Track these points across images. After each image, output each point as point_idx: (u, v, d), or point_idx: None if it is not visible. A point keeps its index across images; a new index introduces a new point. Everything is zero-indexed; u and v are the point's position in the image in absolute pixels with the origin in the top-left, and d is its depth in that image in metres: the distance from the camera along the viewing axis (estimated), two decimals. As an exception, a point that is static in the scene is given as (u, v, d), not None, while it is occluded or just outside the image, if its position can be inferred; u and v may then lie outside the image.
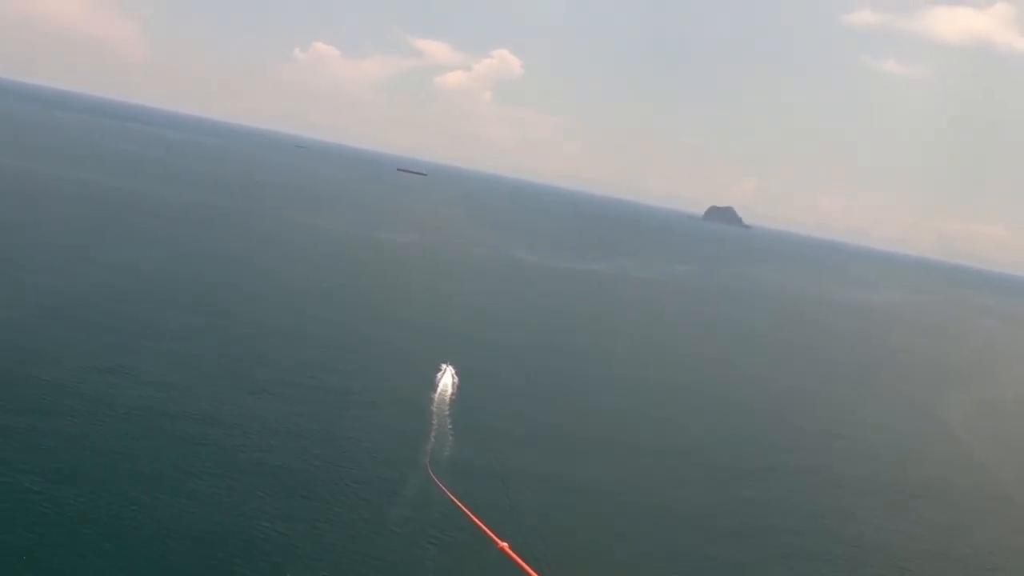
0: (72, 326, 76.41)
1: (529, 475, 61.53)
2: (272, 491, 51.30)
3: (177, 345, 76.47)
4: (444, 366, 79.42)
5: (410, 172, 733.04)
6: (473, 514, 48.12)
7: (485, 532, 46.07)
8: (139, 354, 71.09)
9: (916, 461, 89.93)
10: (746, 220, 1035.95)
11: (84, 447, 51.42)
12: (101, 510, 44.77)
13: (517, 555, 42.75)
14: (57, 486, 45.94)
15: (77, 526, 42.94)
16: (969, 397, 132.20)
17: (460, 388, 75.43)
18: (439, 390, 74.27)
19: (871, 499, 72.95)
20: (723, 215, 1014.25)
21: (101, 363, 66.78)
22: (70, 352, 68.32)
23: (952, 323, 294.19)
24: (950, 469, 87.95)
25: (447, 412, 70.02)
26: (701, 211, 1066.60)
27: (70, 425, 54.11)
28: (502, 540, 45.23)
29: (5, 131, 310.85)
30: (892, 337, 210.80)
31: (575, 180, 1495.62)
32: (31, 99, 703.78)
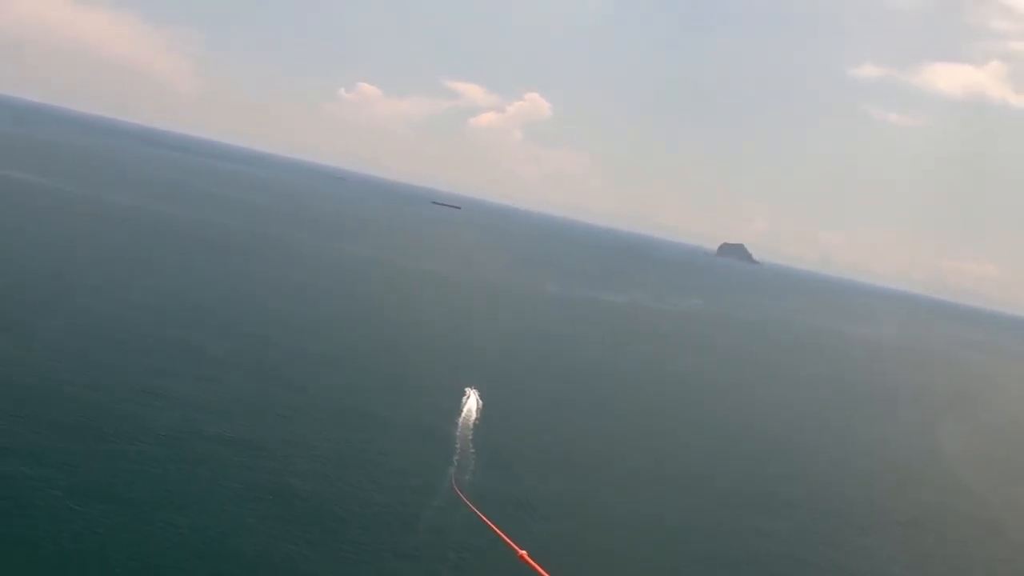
0: (113, 347, 75.85)
1: (549, 494, 61.69)
2: (301, 513, 51.11)
3: (212, 368, 75.96)
4: (469, 390, 79.24)
5: (445, 205, 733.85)
6: (495, 525, 48.24)
7: (506, 541, 46.15)
8: (175, 377, 70.40)
9: (914, 488, 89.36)
10: (756, 256, 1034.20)
11: (117, 467, 50.69)
12: (130, 529, 44.16)
13: (536, 563, 43.00)
14: (87, 504, 45.27)
15: (106, 545, 42.49)
16: (963, 427, 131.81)
17: (484, 411, 75.14)
18: (464, 413, 73.88)
19: (875, 529, 72.44)
20: (735, 251, 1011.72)
21: (138, 384, 66.14)
22: (108, 373, 67.87)
23: (945, 357, 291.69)
24: (946, 496, 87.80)
25: (471, 434, 69.70)
26: (714, 247, 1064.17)
27: (104, 445, 53.54)
28: (521, 548, 45.38)
29: (60, 158, 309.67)
30: (890, 369, 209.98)
31: (597, 215, 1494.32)
32: (85, 128, 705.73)
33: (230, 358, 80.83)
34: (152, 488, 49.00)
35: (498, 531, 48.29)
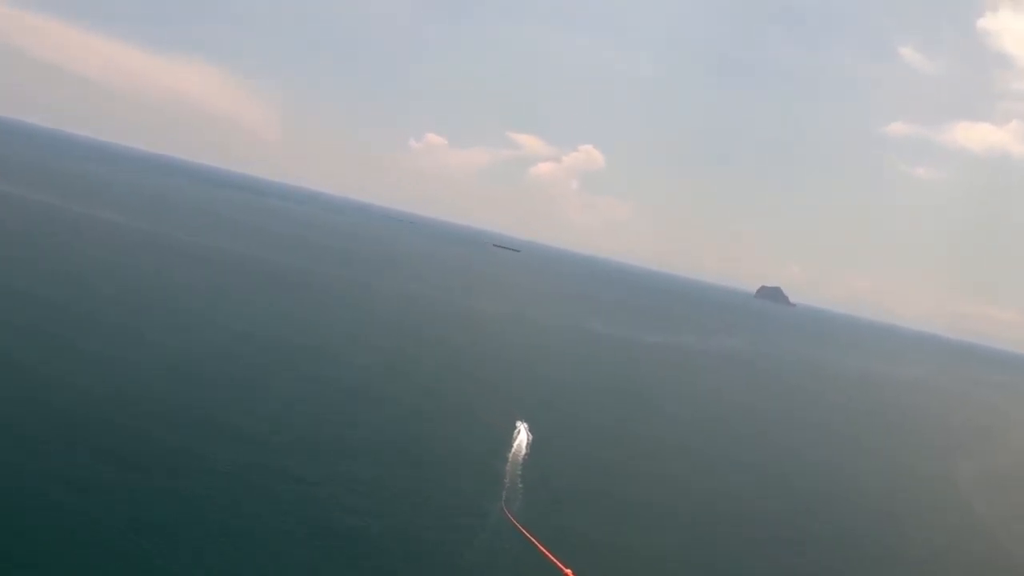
0: (184, 383, 74.52)
1: (594, 521, 61.58)
2: (359, 548, 51.06)
3: (275, 403, 75.59)
4: (519, 424, 79.35)
5: (505, 248, 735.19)
6: (543, 546, 48.49)
7: (553, 561, 46.45)
8: (243, 414, 69.67)
9: (938, 525, 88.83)
10: (792, 299, 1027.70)
11: (181, 501, 49.68)
12: (191, 565, 43.16)
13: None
14: (149, 539, 44.35)
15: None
16: (987, 463, 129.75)
17: (533, 444, 75.31)
18: (515, 446, 73.93)
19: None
20: (772, 294, 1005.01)
21: (203, 418, 65.47)
22: (178, 408, 66.86)
23: (969, 397, 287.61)
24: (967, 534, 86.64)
25: (520, 467, 69.63)
26: (752, 289, 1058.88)
27: (169, 479, 52.51)
28: (567, 567, 45.83)
29: (150, 202, 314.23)
30: (918, 408, 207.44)
31: (644, 258, 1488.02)
32: (176, 173, 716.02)
33: (296, 396, 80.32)
34: (214, 521, 48.48)
35: (546, 551, 48.61)
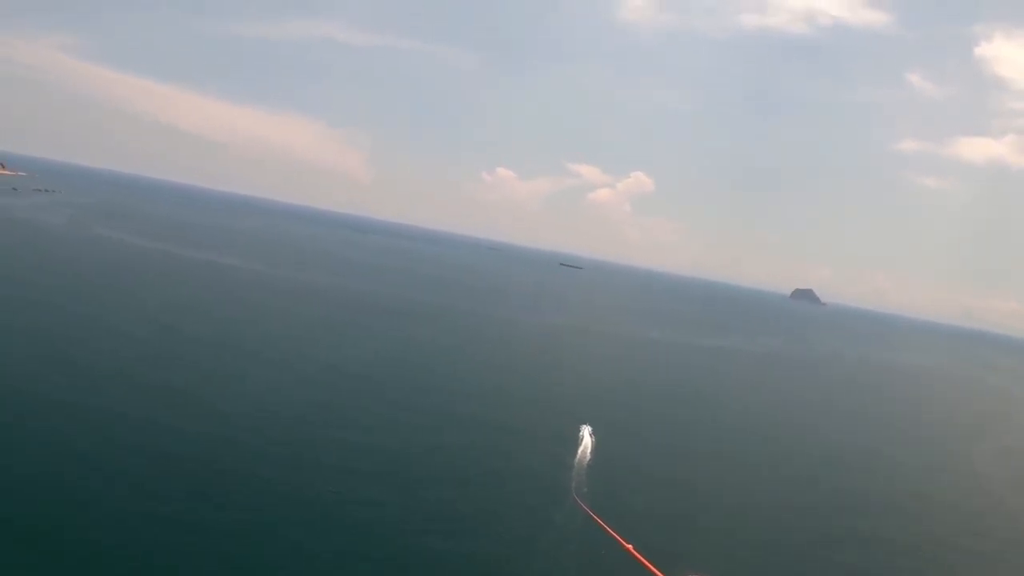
0: (273, 420, 68.68)
1: (651, 506, 60.72)
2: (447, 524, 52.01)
3: (354, 432, 70.82)
4: (584, 427, 78.64)
5: (570, 266, 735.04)
6: (607, 525, 49.44)
7: (616, 538, 47.25)
8: (328, 446, 64.67)
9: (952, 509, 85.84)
10: (823, 299, 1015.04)
11: (266, 539, 46.01)
12: None
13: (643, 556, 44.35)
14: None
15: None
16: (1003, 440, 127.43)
17: (598, 445, 74.71)
18: (580, 447, 73.32)
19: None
20: (805, 295, 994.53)
21: (297, 453, 60.77)
22: (268, 442, 62.09)
23: (978, 380, 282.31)
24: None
25: (587, 462, 69.43)
26: (787, 292, 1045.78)
27: (254, 516, 48.58)
28: (628, 543, 46.62)
29: (263, 243, 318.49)
30: (937, 394, 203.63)
31: (691, 269, 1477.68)
32: (286, 215, 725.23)
33: (384, 412, 78.44)
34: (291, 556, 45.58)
35: (609, 530, 49.43)
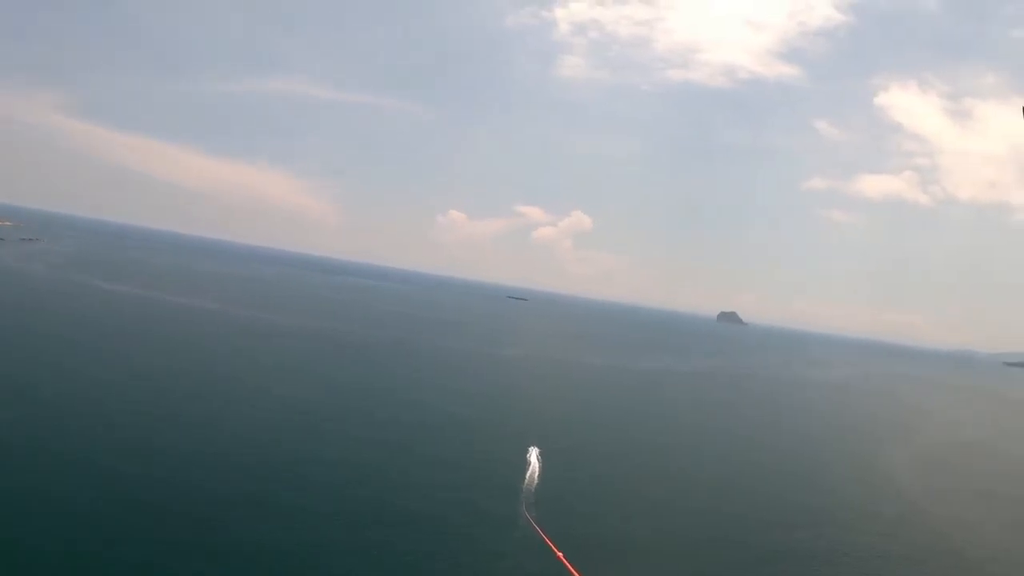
0: (234, 462, 65.72)
1: (592, 523, 61.13)
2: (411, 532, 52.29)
3: (312, 469, 70.60)
4: (532, 449, 79.33)
5: (517, 298, 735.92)
6: (550, 539, 49.79)
7: (555, 551, 47.55)
8: (285, 485, 65.35)
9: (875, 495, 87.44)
10: (745, 320, 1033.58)
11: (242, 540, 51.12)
12: None
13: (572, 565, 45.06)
14: None
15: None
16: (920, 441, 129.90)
17: (544, 465, 75.51)
18: (529, 469, 73.61)
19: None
20: (730, 317, 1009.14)
21: (255, 494, 57.88)
22: (228, 486, 58.97)
23: (885, 387, 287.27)
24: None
25: (535, 483, 69.84)
26: (714, 314, 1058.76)
27: (253, 534, 51.94)
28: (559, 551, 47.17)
29: (234, 285, 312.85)
30: (845, 403, 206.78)
31: (627, 297, 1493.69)
32: (257, 258, 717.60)
33: (341, 449, 76.87)
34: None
35: (551, 543, 49.84)
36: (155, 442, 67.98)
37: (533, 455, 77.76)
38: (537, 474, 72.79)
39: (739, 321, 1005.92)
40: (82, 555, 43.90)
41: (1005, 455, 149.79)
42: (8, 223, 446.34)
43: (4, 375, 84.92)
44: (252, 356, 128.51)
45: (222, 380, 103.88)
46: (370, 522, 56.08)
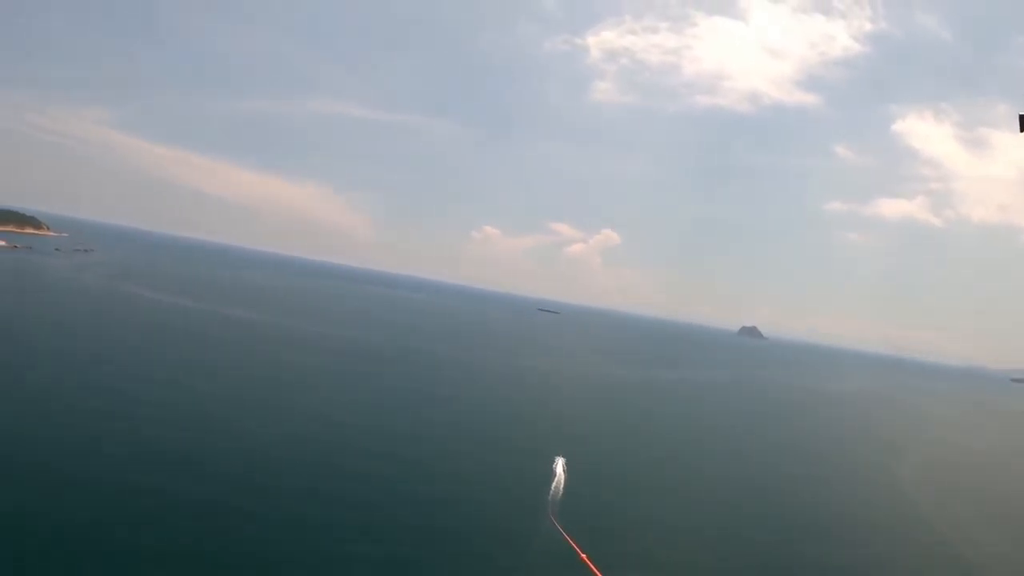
0: (265, 476, 63.67)
1: (624, 524, 60.63)
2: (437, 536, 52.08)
3: (342, 484, 70.17)
4: (558, 459, 78.38)
5: (547, 311, 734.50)
6: (574, 542, 49.02)
7: (577, 551, 47.03)
8: (315, 501, 63.83)
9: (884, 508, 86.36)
10: (765, 334, 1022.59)
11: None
12: None
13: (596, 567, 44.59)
14: None
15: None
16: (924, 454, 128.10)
17: (569, 474, 74.63)
18: (555, 479, 72.89)
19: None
20: (750, 332, 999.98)
21: (286, 508, 56.49)
22: (256, 501, 56.64)
23: (898, 400, 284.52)
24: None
25: (561, 491, 69.19)
26: (735, 328, 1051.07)
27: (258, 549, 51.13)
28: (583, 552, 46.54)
29: (276, 296, 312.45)
30: (860, 416, 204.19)
31: (652, 310, 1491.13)
32: (291, 268, 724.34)
33: (371, 463, 75.00)
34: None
35: (575, 545, 49.30)
36: (193, 453, 68.37)
37: (559, 465, 77.22)
38: (563, 484, 72.00)
39: (759, 335, 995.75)
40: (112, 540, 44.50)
41: (1005, 465, 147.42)
42: (64, 234, 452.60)
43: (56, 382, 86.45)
44: (287, 366, 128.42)
45: (257, 387, 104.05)
46: (391, 532, 55.87)
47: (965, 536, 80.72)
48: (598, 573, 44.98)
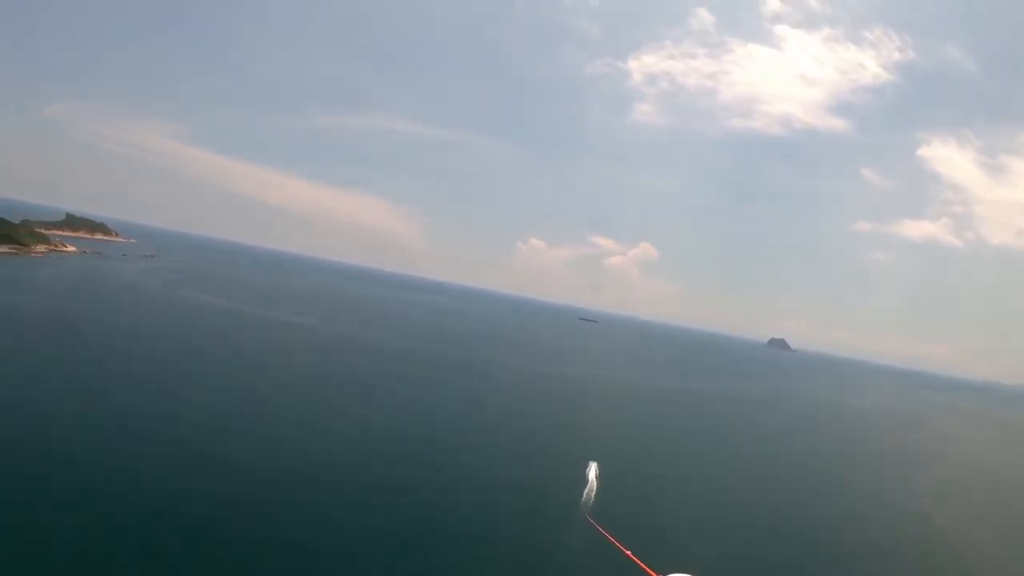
0: (310, 482, 62.95)
1: (649, 524, 59.48)
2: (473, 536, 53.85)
3: (385, 494, 65.06)
4: (591, 463, 78.86)
5: (587, 320, 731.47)
6: (612, 536, 49.51)
7: (619, 547, 47.56)
8: (359, 508, 59.70)
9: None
10: (793, 346, 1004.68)
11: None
12: None
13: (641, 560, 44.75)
14: None
15: None
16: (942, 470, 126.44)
17: (602, 479, 74.90)
18: (589, 481, 73.34)
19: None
20: (779, 343, 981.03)
21: (331, 514, 55.85)
22: (299, 506, 56.24)
23: (916, 414, 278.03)
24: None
25: (594, 495, 69.60)
26: (764, 340, 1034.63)
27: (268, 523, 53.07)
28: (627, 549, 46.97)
29: (335, 304, 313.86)
30: (878, 429, 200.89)
31: (686, 321, 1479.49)
32: (349, 275, 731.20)
33: (412, 472, 75.10)
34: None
35: (613, 540, 49.59)
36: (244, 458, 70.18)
37: (592, 469, 78.05)
38: (596, 486, 72.68)
39: (787, 347, 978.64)
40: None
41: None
42: (132, 240, 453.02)
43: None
44: (337, 373, 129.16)
45: (298, 392, 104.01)
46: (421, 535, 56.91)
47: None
48: (643, 566, 45.69)
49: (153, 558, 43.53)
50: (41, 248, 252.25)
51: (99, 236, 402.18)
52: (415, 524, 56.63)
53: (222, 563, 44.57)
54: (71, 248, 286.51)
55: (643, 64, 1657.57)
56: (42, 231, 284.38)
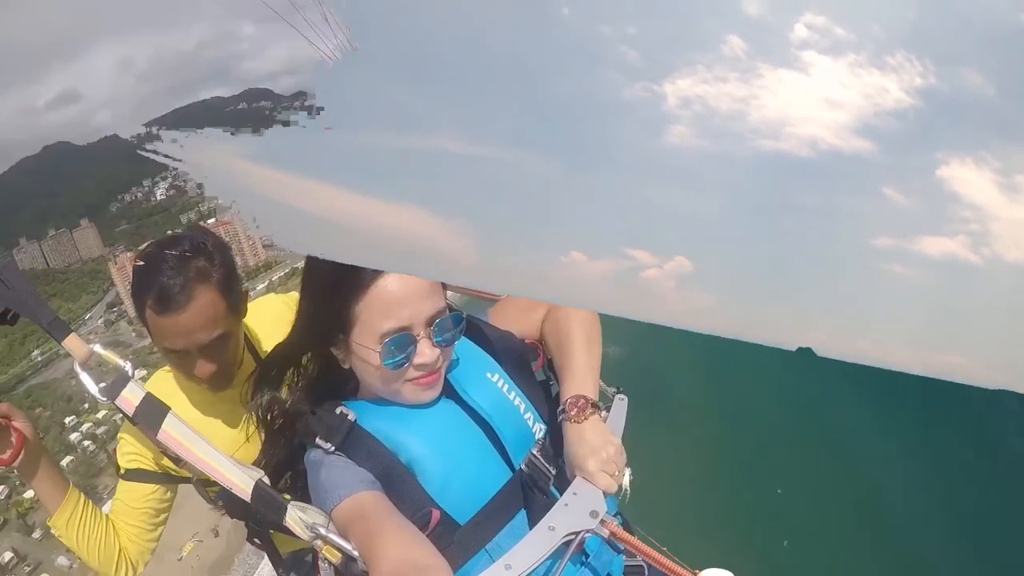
0: None
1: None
2: None
3: None
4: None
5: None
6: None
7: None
8: None
9: None
10: (819, 355, 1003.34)
11: None
12: None
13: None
14: None
15: None
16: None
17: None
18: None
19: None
20: (805, 352, 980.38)
21: None
22: None
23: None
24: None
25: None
26: (792, 347, 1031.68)
27: None
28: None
29: None
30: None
31: (717, 328, 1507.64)
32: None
33: None
34: None
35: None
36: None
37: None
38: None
39: (813, 356, 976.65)
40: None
41: None
42: None
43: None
44: None
45: None
46: None
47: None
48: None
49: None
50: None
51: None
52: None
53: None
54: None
55: (677, 88, 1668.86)
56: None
